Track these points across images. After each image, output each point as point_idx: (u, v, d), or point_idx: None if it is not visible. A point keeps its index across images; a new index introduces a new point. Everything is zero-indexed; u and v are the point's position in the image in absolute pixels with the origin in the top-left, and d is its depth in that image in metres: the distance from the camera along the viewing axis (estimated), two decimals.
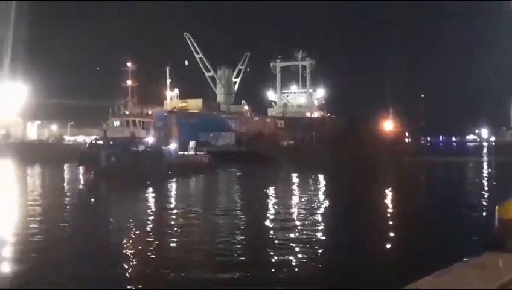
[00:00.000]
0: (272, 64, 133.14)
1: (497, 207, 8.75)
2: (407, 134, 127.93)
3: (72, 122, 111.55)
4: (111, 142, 56.34)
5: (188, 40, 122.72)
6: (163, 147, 59.60)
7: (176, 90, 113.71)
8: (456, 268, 6.91)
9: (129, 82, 59.05)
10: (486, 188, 44.18)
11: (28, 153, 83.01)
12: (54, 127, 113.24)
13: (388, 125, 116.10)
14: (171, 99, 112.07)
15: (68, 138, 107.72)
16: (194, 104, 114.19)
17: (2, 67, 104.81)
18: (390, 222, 25.71)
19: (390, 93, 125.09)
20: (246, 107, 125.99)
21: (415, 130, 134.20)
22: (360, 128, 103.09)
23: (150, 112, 62.70)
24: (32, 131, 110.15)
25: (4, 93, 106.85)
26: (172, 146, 61.09)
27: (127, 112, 58.72)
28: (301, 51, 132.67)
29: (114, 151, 54.44)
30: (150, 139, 58.94)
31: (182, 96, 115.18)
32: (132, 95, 59.06)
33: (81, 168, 56.00)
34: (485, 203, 32.11)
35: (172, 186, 47.54)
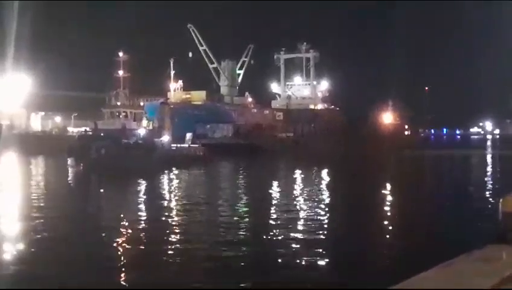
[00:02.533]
0: (275, 57, 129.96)
1: (500, 200, 8.66)
2: (406, 127, 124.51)
3: (75, 114, 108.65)
4: (101, 134, 53.50)
5: (192, 32, 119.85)
6: (155, 139, 56.54)
7: (180, 82, 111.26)
8: (459, 261, 6.88)
9: (121, 72, 55.91)
10: (489, 181, 43.03)
11: (31, 144, 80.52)
12: (58, 119, 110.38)
13: (387, 118, 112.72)
14: (174, 91, 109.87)
15: (72, 130, 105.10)
16: (198, 96, 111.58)
17: (5, 59, 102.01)
18: (394, 216, 25.20)
19: (392, 85, 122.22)
20: (250, 99, 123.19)
21: (415, 123, 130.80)
22: (359, 120, 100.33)
23: (142, 103, 59.75)
24: (36, 122, 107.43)
25: (8, 85, 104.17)
26: (165, 138, 57.99)
27: (118, 103, 55.68)
28: (305, 43, 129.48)
29: (104, 144, 51.63)
30: (142, 131, 55.89)
31: (186, 88, 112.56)
32: (124, 86, 55.92)
33: (70, 160, 53.31)
34: (488, 196, 31.47)
35: (163, 180, 44.93)
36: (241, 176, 48.48)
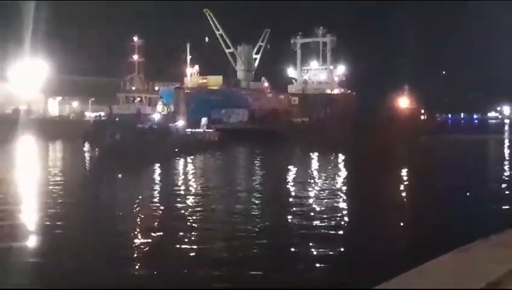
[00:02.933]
0: (292, 41, 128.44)
1: None
2: (422, 111, 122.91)
3: (92, 99, 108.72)
4: (116, 119, 53.28)
5: (208, 16, 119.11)
6: (170, 124, 56.23)
7: (196, 67, 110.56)
8: (476, 246, 6.75)
9: (135, 57, 55.49)
10: (508, 166, 43.21)
11: (49, 129, 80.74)
12: (75, 104, 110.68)
13: (403, 102, 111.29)
14: (191, 75, 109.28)
15: (89, 114, 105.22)
16: (214, 81, 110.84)
17: (23, 44, 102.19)
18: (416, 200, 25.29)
19: (409, 69, 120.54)
20: (266, 84, 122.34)
21: (431, 107, 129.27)
22: (375, 105, 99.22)
23: (157, 88, 59.38)
24: (54, 107, 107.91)
25: (26, 70, 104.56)
26: (180, 123, 57.65)
27: (133, 88, 55.35)
28: (322, 28, 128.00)
29: (119, 129, 51.36)
30: (157, 116, 55.56)
31: (202, 73, 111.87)
32: (139, 71, 55.54)
33: (85, 145, 53.24)
34: (507, 180, 31.98)
35: (177, 165, 44.81)
36: (254, 162, 48.08)
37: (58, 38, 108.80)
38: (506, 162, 47.97)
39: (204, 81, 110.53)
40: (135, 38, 56.08)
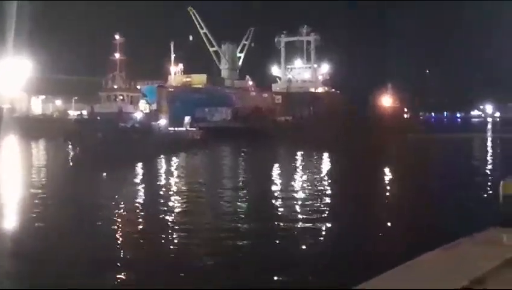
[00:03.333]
0: (276, 40, 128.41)
1: (501, 183, 8.77)
2: (405, 110, 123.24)
3: (76, 97, 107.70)
4: (98, 118, 52.61)
5: (192, 14, 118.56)
6: (152, 123, 55.70)
7: (181, 65, 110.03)
8: (461, 243, 6.90)
9: (117, 55, 54.80)
10: (489, 164, 42.84)
11: (32, 128, 79.85)
12: (59, 102, 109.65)
13: (386, 101, 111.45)
14: (175, 74, 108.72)
15: (72, 113, 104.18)
16: (198, 80, 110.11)
17: (6, 42, 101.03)
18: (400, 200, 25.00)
19: (392, 68, 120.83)
20: (250, 83, 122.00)
21: (414, 106, 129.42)
22: (358, 103, 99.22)
23: (139, 87, 58.77)
24: (37, 106, 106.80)
25: (9, 68, 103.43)
26: (162, 122, 57.15)
27: (115, 86, 54.69)
28: (306, 26, 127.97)
29: (100, 128, 50.71)
30: (139, 115, 54.99)
31: (187, 71, 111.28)
32: (120, 69, 54.85)
33: (67, 144, 52.58)
34: (489, 179, 31.40)
35: (158, 164, 44.32)
36: (236, 160, 47.84)
37: (42, 36, 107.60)
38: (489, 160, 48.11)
39: (188, 79, 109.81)
40: (117, 37, 55.42)
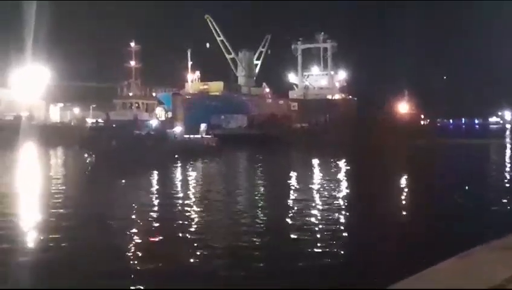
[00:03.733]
0: (293, 47, 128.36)
1: None
2: (422, 116, 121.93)
3: (94, 105, 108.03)
4: (113, 125, 52.52)
5: (209, 22, 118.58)
6: (167, 130, 55.41)
7: (197, 73, 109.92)
8: (478, 250, 6.74)
9: (132, 63, 54.72)
10: (508, 170, 42.34)
11: (50, 135, 79.91)
12: (77, 110, 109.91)
13: (403, 108, 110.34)
14: (192, 81, 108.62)
15: (90, 120, 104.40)
16: (215, 87, 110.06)
17: (25, 50, 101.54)
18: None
19: (410, 75, 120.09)
20: (267, 90, 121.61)
21: (432, 113, 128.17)
22: (375, 110, 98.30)
23: (154, 94, 58.59)
24: (55, 113, 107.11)
25: (27, 76, 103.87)
26: (177, 129, 56.82)
27: (130, 94, 54.57)
28: (322, 33, 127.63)
29: (115, 135, 50.59)
30: (154, 122, 54.76)
31: (204, 79, 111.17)
32: (136, 76, 54.77)
33: (82, 152, 52.41)
34: (508, 185, 31.18)
35: (175, 171, 43.77)
36: (252, 167, 47.26)
37: (60, 44, 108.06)
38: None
39: (205, 87, 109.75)
40: (132, 44, 55.33)
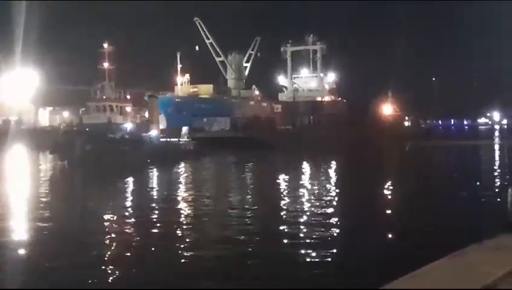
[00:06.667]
0: (282, 49, 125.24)
1: (509, 190, 8.80)
2: (406, 118, 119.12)
3: (83, 108, 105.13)
4: (86, 129, 49.54)
5: (198, 25, 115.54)
6: (143, 134, 52.32)
7: (187, 76, 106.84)
8: (470, 250, 6.85)
9: (106, 64, 51.59)
10: (497, 171, 41.06)
11: (39, 139, 77.10)
12: (66, 113, 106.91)
13: (387, 109, 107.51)
14: (182, 84, 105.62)
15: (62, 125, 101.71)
16: (205, 90, 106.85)
17: (13, 54, 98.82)
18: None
19: (398, 76, 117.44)
20: (257, 92, 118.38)
21: (417, 114, 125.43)
22: (359, 112, 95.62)
23: (128, 96, 55.45)
24: (44, 117, 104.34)
25: (16, 80, 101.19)
26: (153, 132, 53.70)
27: (104, 97, 51.49)
28: (312, 35, 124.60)
29: (89, 139, 47.59)
30: (129, 125, 51.70)
31: (193, 81, 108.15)
32: (109, 78, 51.63)
33: (53, 156, 49.52)
34: (497, 186, 30.48)
35: (149, 176, 41.00)
36: (227, 172, 44.47)
37: (49, 48, 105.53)
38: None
39: (195, 90, 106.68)
40: (105, 45, 52.20)
